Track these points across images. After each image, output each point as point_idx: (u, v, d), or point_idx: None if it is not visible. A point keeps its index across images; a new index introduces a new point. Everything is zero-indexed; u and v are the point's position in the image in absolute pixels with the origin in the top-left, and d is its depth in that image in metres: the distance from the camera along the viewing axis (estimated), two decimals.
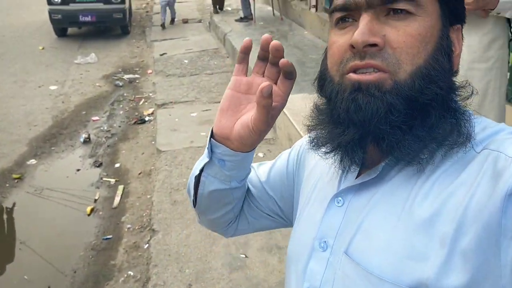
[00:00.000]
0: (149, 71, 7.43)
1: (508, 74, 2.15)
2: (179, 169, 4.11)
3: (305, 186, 0.90)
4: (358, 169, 0.74)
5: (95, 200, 3.87)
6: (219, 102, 0.81)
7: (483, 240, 0.56)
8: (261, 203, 0.99)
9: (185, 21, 10.90)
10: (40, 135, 5.17)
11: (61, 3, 9.12)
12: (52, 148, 4.87)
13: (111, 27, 10.14)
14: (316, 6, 7.81)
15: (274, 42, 0.71)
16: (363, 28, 0.63)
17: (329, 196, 0.77)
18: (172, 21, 10.66)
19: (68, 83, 6.90)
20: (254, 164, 1.01)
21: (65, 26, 9.66)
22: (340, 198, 0.75)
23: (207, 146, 0.82)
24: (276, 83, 0.75)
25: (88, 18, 9.30)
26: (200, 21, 11.03)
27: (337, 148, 0.69)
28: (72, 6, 9.20)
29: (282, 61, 0.71)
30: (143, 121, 5.47)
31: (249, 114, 0.75)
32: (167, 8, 10.36)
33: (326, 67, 0.72)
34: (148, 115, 5.65)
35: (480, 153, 0.63)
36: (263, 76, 0.77)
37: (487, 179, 0.58)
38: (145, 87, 6.79)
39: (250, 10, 9.28)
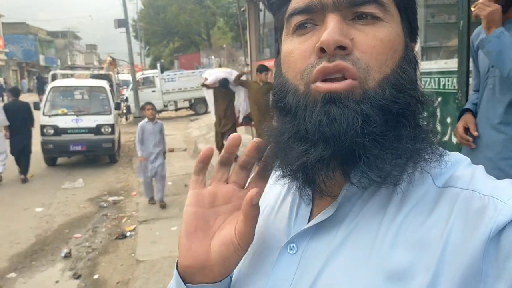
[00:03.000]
0: (134, 193, 7.72)
1: None
2: (157, 276, 4.21)
3: None
4: (311, 204, 0.67)
5: None
6: None
7: None
8: None
9: (171, 150, 11.51)
10: (22, 251, 5.27)
11: (54, 134, 9.61)
12: (33, 262, 4.94)
13: (100, 156, 10.56)
14: None
15: (255, 143, 0.64)
16: (334, 28, 0.57)
17: (277, 241, 0.67)
18: (162, 202, 6.56)
19: (53, 206, 7.12)
20: None
21: (55, 156, 10.06)
22: (293, 245, 0.64)
23: None
24: (243, 187, 0.68)
25: (78, 148, 9.72)
26: (185, 150, 11.66)
27: (298, 170, 0.60)
28: (64, 137, 9.66)
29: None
30: (124, 236, 5.62)
31: (226, 230, 0.64)
32: (153, 179, 6.69)
33: (284, 80, 0.63)
34: (130, 231, 5.82)
35: (444, 189, 0.58)
36: (226, 183, 0.68)
37: (461, 222, 0.53)
38: (128, 207, 7.03)
39: None
